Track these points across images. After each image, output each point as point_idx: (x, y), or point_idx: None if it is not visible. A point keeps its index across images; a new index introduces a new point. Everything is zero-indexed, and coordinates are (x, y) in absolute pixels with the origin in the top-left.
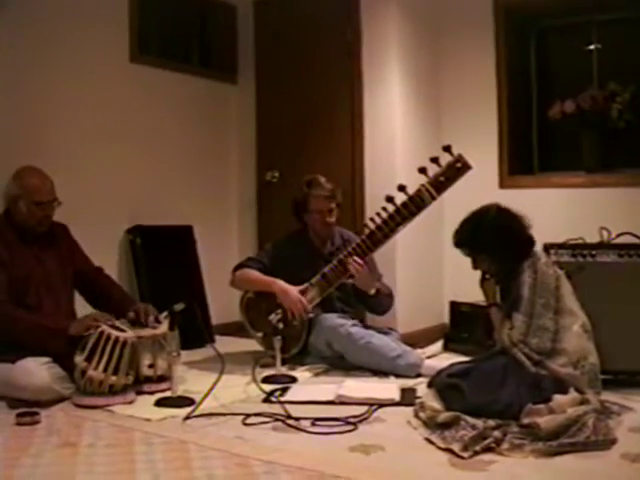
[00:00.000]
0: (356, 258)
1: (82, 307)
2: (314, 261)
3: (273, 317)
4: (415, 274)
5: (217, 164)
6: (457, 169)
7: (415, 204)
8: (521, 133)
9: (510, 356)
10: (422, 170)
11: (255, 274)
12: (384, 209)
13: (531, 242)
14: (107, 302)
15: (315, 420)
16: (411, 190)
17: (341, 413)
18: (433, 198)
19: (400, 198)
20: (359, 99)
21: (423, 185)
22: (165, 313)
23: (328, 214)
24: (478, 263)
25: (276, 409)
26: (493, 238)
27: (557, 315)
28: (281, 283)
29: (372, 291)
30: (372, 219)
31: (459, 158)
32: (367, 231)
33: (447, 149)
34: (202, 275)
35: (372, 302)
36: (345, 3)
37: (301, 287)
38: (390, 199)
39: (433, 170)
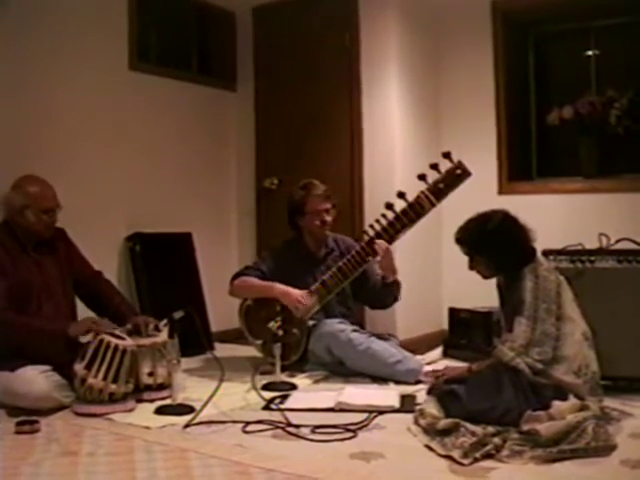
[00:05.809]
0: (382, 241)
1: (84, 314)
2: (310, 266)
3: (272, 324)
4: (414, 280)
5: (216, 171)
6: (457, 176)
7: (414, 211)
8: (519, 139)
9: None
10: (421, 177)
11: (254, 280)
12: (383, 216)
13: (531, 255)
14: (106, 307)
15: (315, 427)
16: (410, 197)
17: (341, 420)
18: (432, 205)
19: (399, 205)
20: (358, 105)
21: (422, 192)
22: (164, 321)
23: (325, 213)
24: (474, 264)
25: (276, 416)
26: (493, 242)
27: (559, 321)
28: (280, 285)
29: (392, 277)
30: (371, 226)
31: (459, 165)
32: (366, 238)
33: (447, 155)
34: (201, 282)
35: (385, 291)
36: (344, 9)
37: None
38: (389, 206)
39: (433, 177)
